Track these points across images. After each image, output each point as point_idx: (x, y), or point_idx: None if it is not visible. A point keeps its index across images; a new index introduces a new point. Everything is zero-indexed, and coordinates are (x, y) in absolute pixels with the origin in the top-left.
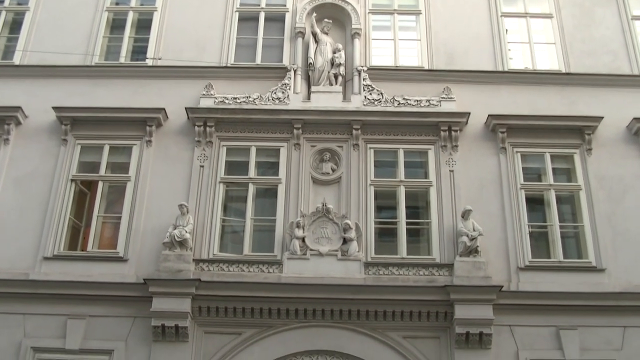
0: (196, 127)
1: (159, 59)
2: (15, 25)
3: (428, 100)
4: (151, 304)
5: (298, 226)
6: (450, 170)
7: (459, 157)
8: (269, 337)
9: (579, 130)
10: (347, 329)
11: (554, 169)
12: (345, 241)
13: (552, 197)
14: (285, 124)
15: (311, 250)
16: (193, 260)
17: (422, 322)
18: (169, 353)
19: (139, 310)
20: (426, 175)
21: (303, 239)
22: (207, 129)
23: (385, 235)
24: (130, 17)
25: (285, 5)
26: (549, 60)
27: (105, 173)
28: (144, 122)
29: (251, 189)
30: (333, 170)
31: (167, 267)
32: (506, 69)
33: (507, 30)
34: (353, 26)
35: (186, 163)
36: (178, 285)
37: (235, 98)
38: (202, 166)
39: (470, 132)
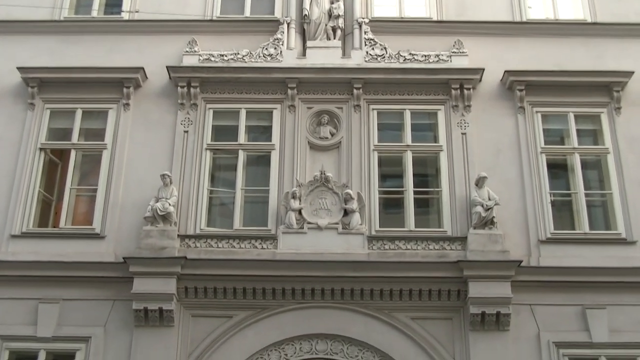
0: (179, 88)
1: (136, 12)
2: None
3: (437, 56)
4: (132, 285)
5: (294, 197)
6: (462, 133)
7: (472, 119)
8: (263, 320)
9: (607, 86)
10: (349, 310)
11: (578, 131)
12: (346, 213)
13: (576, 161)
14: (278, 84)
15: (309, 223)
16: (178, 236)
17: (432, 301)
18: (153, 339)
19: (119, 293)
20: (436, 139)
21: (300, 211)
22: (191, 90)
23: (391, 206)
24: None
25: None
26: (572, 9)
27: (78, 141)
28: (120, 83)
29: (241, 156)
30: (332, 135)
31: (149, 244)
32: (524, 20)
33: None
34: None
35: (168, 128)
36: (161, 264)
37: (222, 55)
38: (187, 131)
39: (485, 90)
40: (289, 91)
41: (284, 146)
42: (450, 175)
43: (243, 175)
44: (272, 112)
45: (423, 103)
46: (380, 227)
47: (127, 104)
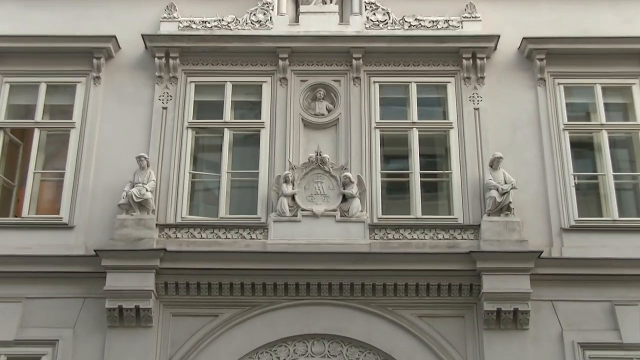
0: (156, 59)
1: None
2: None
3: (447, 21)
4: (104, 281)
5: (286, 181)
6: (475, 109)
7: (486, 92)
8: (252, 319)
9: (638, 54)
10: (348, 307)
11: (606, 105)
12: (345, 198)
13: (604, 139)
14: (268, 54)
15: (303, 210)
16: (156, 225)
17: (441, 297)
18: (129, 341)
19: (90, 290)
20: (445, 115)
21: (293, 197)
22: (170, 61)
23: (395, 190)
24: None
25: None
26: None
27: (42, 119)
28: (90, 53)
29: (227, 136)
30: (329, 111)
31: (124, 235)
32: None
33: None
34: None
35: (145, 105)
36: (138, 257)
37: (205, 22)
38: (165, 108)
39: (500, 60)
40: (280, 62)
41: (274, 124)
42: (461, 156)
43: (229, 157)
44: (261, 85)
45: (431, 75)
46: (383, 214)
47: (98, 77)
